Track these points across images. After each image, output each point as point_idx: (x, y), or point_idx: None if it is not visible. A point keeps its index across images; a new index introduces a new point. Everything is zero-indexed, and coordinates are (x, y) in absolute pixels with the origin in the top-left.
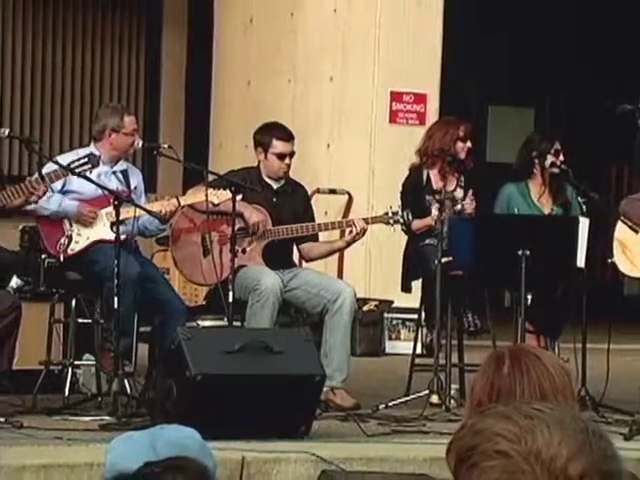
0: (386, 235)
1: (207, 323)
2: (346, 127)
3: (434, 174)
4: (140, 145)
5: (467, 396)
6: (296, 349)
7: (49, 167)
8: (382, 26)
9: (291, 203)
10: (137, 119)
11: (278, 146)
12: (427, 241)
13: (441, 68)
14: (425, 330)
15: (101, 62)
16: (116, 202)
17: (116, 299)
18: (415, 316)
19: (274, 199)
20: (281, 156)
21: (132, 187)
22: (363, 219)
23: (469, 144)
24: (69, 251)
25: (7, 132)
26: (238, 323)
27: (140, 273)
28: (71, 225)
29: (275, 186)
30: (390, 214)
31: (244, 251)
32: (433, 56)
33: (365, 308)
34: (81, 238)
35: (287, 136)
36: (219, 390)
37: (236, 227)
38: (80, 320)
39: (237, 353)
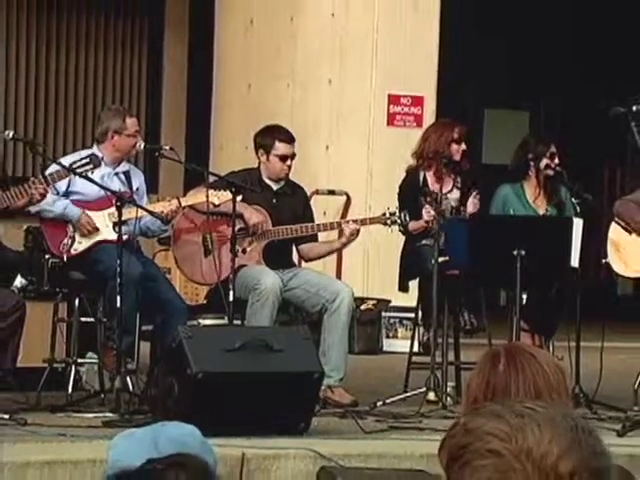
0: (384, 236)
1: (208, 322)
2: (344, 129)
3: (430, 176)
4: (142, 146)
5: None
6: (295, 347)
7: (52, 168)
8: (380, 30)
9: (291, 204)
10: (139, 121)
11: (280, 148)
12: (424, 241)
13: (438, 71)
14: (422, 329)
15: (104, 65)
16: (118, 203)
17: (118, 298)
18: (412, 315)
19: (274, 200)
20: (283, 158)
21: (134, 188)
22: (361, 220)
23: (464, 146)
24: (72, 251)
25: (11, 134)
26: (238, 322)
27: (142, 273)
28: (74, 226)
29: (275, 187)
30: (388, 215)
31: (244, 251)
32: (430, 59)
33: (363, 307)
34: (84, 238)
35: (289, 138)
36: (219, 388)
37: (236, 227)
38: (83, 319)
39: (237, 351)
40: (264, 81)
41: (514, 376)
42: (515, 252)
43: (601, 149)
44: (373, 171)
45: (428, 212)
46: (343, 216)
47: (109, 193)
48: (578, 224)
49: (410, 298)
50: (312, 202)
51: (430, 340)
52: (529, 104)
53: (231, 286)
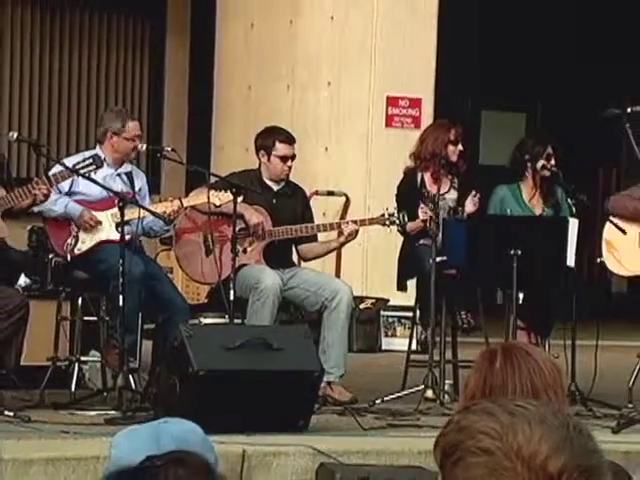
0: (382, 236)
1: (209, 320)
2: (344, 131)
3: (428, 177)
4: (144, 148)
5: (461, 391)
6: (295, 346)
7: (55, 168)
8: (378, 33)
9: (290, 205)
10: (141, 123)
11: (281, 149)
12: (422, 241)
13: (435, 74)
14: (420, 327)
15: (106, 68)
16: (121, 204)
17: (121, 297)
18: (410, 314)
19: (274, 201)
20: (283, 158)
21: (136, 189)
22: (360, 220)
23: (460, 147)
24: (76, 251)
25: (15, 135)
26: (239, 320)
27: (144, 272)
28: (77, 224)
29: (275, 188)
30: (386, 216)
31: (245, 251)
32: (428, 62)
33: (362, 306)
34: (87, 238)
35: (289, 139)
36: (220, 385)
37: (237, 228)
38: (86, 318)
39: (238, 349)
40: (264, 83)
41: (511, 374)
42: (512, 252)
43: (596, 151)
44: (372, 172)
45: (424, 212)
46: (342, 217)
47: (112, 194)
48: (574, 224)
49: (408, 297)
50: (312, 203)
51: (428, 338)
52: (525, 106)
53: (232, 285)
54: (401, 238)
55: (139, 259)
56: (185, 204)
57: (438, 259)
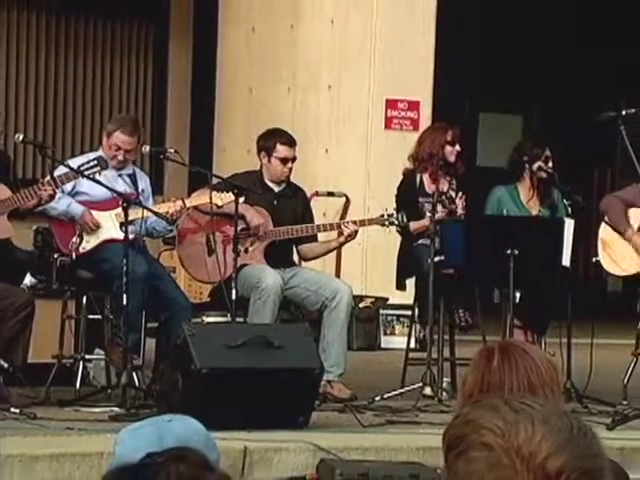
0: (381, 236)
1: (211, 319)
2: (343, 133)
3: (426, 178)
4: (147, 149)
5: (459, 389)
6: (296, 344)
7: (60, 170)
8: (377, 36)
9: (291, 205)
10: (145, 125)
11: (282, 151)
12: (420, 241)
13: (434, 77)
14: (418, 326)
15: (111, 72)
16: (124, 204)
17: (125, 296)
18: (409, 312)
19: (275, 202)
20: (284, 160)
21: (140, 190)
22: (360, 221)
23: (458, 147)
24: (80, 249)
25: (21, 137)
26: (241, 319)
27: (147, 272)
28: (79, 224)
29: (276, 189)
30: (386, 216)
31: (246, 251)
32: (426, 65)
33: (362, 305)
34: (92, 238)
35: (290, 141)
36: (222, 383)
37: (239, 228)
38: (91, 316)
39: (240, 348)
40: (265, 86)
41: (508, 372)
42: (508, 252)
43: (592, 152)
44: (371, 173)
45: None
46: (342, 217)
47: (115, 194)
48: (570, 224)
49: (407, 296)
50: (312, 203)
51: (426, 337)
52: (522, 109)
53: (234, 284)
54: (400, 238)
55: (142, 259)
56: (187, 204)
57: (436, 259)
